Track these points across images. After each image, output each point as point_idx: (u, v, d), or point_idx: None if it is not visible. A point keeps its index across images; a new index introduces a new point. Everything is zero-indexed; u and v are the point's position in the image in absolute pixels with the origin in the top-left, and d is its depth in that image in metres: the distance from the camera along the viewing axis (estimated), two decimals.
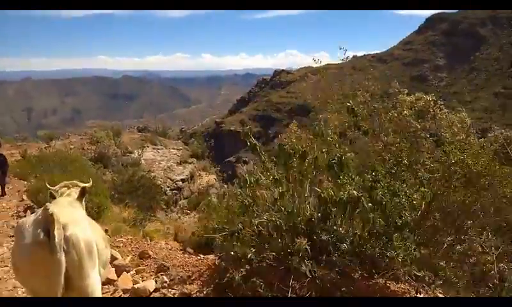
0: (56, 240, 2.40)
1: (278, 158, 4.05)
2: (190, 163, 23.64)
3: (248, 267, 3.54)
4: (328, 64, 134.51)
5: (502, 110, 70.37)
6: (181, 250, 5.48)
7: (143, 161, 21.09)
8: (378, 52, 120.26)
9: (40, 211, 2.64)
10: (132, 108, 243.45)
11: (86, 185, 3.47)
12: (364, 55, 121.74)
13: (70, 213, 2.83)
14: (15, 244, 2.73)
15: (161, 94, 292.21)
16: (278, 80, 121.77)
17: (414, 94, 7.07)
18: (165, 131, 30.95)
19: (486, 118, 69.31)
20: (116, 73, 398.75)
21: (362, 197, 2.98)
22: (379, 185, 3.17)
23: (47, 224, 2.45)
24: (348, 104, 4.35)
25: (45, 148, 17.51)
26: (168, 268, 4.34)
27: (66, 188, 3.44)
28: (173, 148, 25.95)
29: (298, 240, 2.91)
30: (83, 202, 3.38)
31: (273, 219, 3.36)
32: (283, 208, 3.41)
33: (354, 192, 2.97)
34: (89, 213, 9.02)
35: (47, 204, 2.57)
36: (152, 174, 18.51)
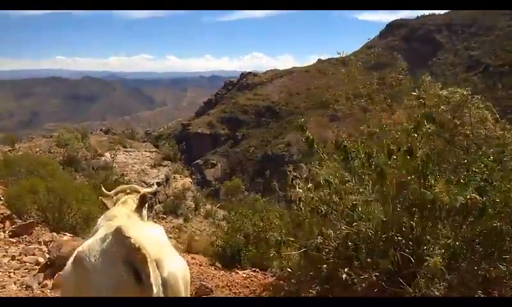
0: (154, 290, 1.67)
1: (338, 156, 3.47)
2: (164, 166, 22.72)
3: (319, 288, 2.92)
4: (293, 67, 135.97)
5: None
6: (211, 265, 4.70)
7: (115, 164, 20.01)
8: (342, 55, 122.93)
9: (108, 234, 1.85)
10: (93, 110, 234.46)
11: (148, 190, 2.67)
12: (329, 58, 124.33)
13: (148, 235, 1.96)
14: (75, 281, 1.87)
15: (124, 96, 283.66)
16: (245, 82, 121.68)
17: (449, 88, 6.73)
18: (133, 133, 29.61)
19: None
20: (75, 74, 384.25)
21: (486, 202, 2.45)
22: (490, 186, 2.66)
23: (131, 259, 1.70)
24: (416, 93, 3.81)
25: (9, 151, 15.93)
26: (211, 290, 3.59)
27: (123, 193, 2.66)
28: (146, 151, 24.89)
29: (433, 259, 2.31)
30: (143, 213, 2.55)
31: (362, 229, 2.76)
32: (370, 216, 2.80)
33: (476, 195, 2.43)
34: (76, 225, 7.75)
35: (119, 225, 1.75)
36: (126, 178, 17.51)
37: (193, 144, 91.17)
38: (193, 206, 22.20)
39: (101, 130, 39.64)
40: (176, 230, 16.77)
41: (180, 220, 19.49)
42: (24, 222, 6.67)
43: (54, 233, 6.86)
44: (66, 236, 6.41)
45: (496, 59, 79.26)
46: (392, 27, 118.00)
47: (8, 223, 6.62)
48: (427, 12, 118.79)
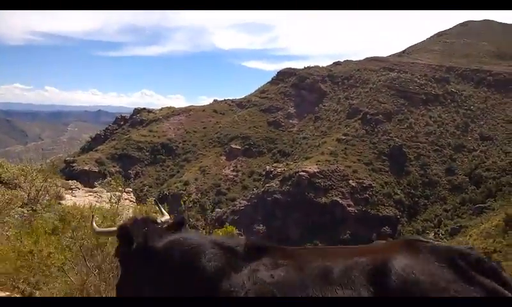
0: None
1: None
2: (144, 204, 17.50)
3: None
4: (190, 106, 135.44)
5: (345, 154, 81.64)
6: None
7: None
8: (238, 97, 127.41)
9: None
10: None
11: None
12: (224, 99, 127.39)
13: None
14: None
15: None
16: (139, 118, 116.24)
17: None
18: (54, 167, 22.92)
19: (333, 161, 79.41)
20: None
21: None
22: None
23: None
24: None
25: None
26: None
27: None
28: (97, 186, 19.59)
29: None
30: None
31: None
32: None
33: None
34: None
35: None
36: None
37: (79, 183, 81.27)
38: None
39: None
40: None
41: None
42: None
43: None
44: None
45: (372, 108, 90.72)
46: (282, 74, 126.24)
47: None
48: (312, 64, 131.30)
